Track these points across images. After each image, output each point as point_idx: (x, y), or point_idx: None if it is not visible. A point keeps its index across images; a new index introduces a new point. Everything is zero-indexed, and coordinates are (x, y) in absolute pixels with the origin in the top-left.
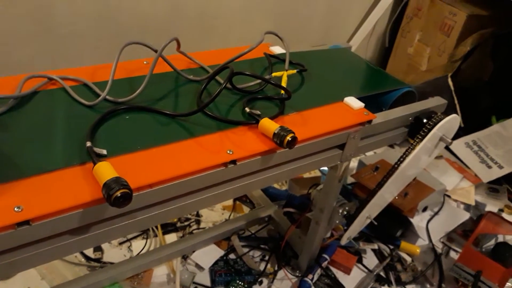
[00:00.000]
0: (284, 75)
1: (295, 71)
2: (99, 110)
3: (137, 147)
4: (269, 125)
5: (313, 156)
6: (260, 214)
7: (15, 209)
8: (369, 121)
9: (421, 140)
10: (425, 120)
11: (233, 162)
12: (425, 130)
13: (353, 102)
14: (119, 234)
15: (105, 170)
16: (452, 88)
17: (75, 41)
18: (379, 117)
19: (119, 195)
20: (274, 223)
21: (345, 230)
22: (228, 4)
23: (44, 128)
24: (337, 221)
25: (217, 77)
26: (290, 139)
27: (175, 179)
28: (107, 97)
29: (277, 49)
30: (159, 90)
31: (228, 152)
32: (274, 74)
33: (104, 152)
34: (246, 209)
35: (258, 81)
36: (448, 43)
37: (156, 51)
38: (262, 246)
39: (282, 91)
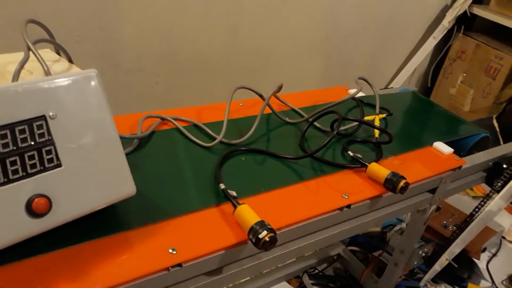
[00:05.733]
0: (376, 119)
1: (384, 115)
2: (215, 152)
3: (261, 189)
4: (379, 170)
5: (407, 200)
6: (330, 252)
7: (170, 251)
8: (460, 166)
9: (503, 186)
10: (505, 166)
11: (348, 206)
12: (507, 176)
13: (443, 147)
14: (245, 275)
15: (248, 213)
16: (497, 129)
17: (137, 76)
18: (467, 162)
19: (268, 239)
20: (343, 261)
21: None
22: (280, 45)
23: (171, 169)
24: (415, 263)
25: (309, 119)
26: (403, 185)
27: (299, 222)
28: (222, 139)
29: (353, 92)
30: (260, 131)
31: (343, 196)
32: (366, 118)
33: (235, 193)
34: None
35: (352, 124)
36: (494, 85)
37: (261, 96)
38: (330, 284)
39: (377, 135)
